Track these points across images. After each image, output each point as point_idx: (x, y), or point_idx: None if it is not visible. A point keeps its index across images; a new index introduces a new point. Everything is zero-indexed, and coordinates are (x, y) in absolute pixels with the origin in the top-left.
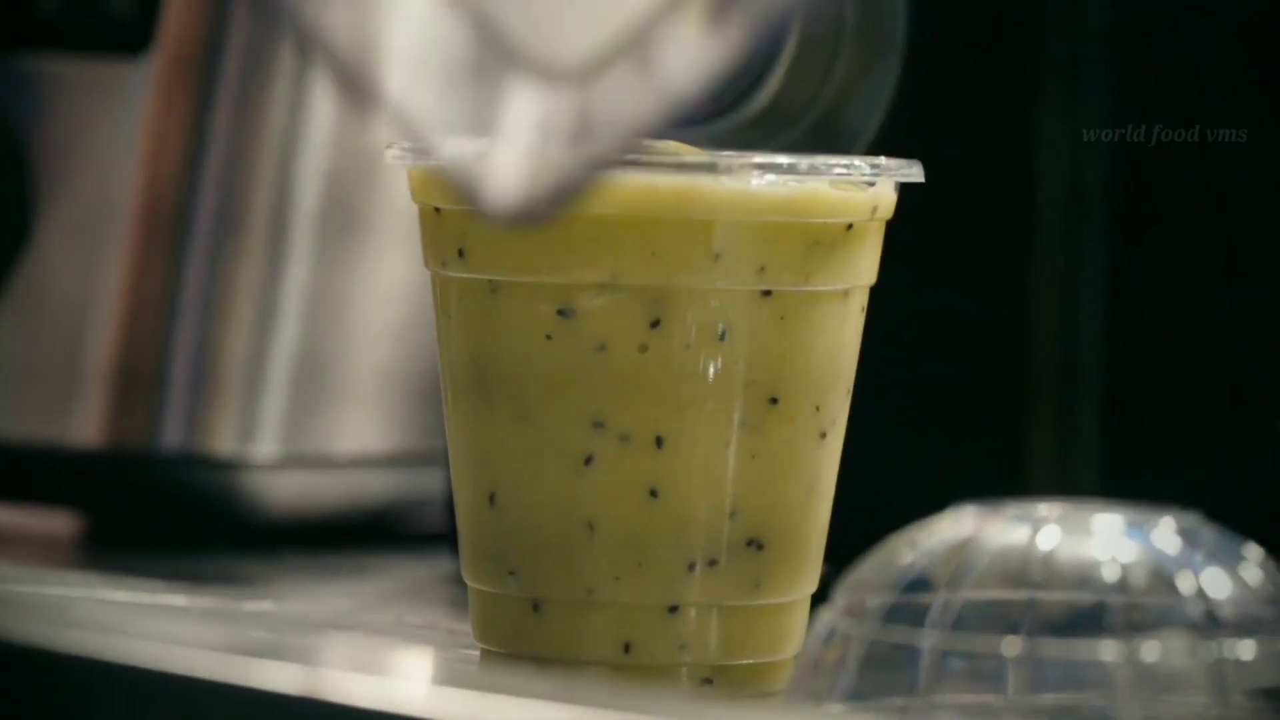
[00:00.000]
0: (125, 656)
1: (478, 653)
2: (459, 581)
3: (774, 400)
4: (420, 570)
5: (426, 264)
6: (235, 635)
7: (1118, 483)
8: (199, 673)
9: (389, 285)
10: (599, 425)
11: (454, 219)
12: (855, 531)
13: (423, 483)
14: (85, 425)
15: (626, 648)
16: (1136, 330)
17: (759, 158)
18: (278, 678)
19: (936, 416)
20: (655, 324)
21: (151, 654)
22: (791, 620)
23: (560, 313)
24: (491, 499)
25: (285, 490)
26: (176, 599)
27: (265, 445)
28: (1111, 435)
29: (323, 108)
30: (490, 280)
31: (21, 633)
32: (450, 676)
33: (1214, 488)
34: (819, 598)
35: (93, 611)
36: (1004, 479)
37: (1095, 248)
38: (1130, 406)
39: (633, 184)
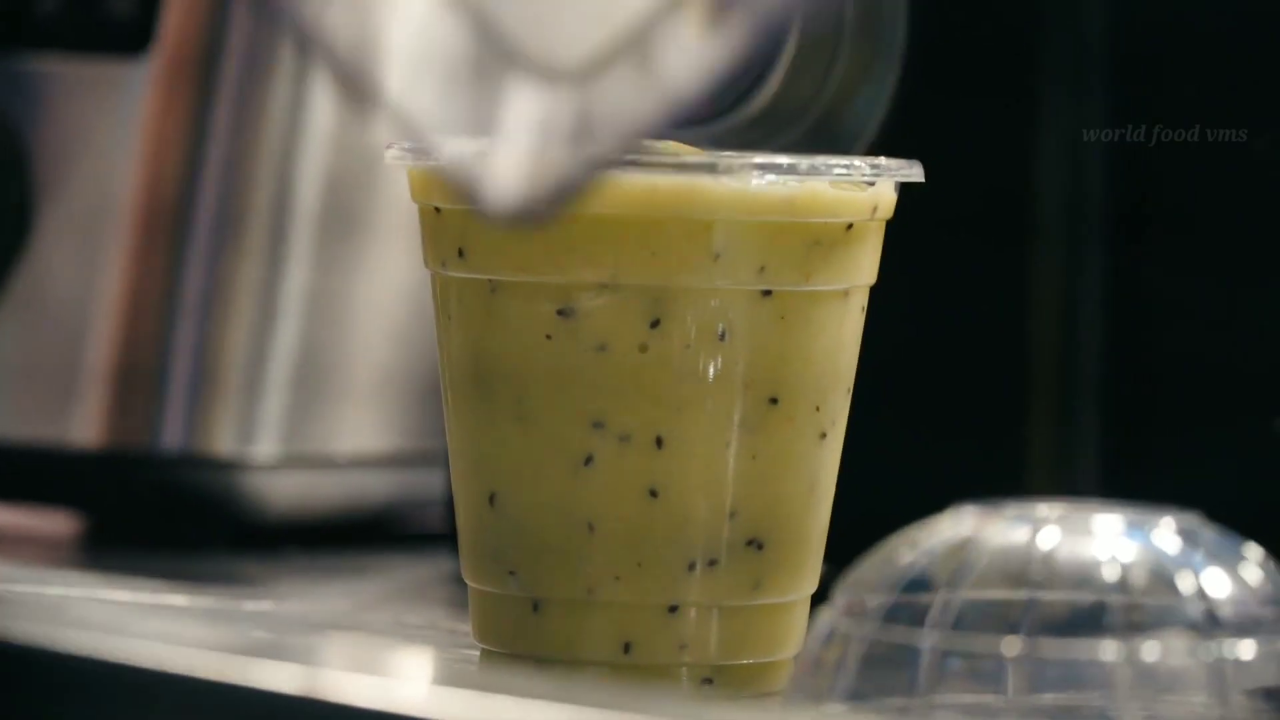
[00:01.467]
0: (125, 656)
1: (477, 653)
2: (458, 581)
3: (774, 400)
4: (420, 570)
5: (426, 264)
6: (235, 635)
7: (1117, 482)
8: (199, 673)
9: (389, 285)
10: (599, 425)
11: (454, 219)
12: (855, 531)
13: (422, 483)
14: (85, 425)
15: (626, 648)
16: (1136, 330)
17: (759, 158)
18: (278, 678)
19: (936, 416)
20: (655, 324)
21: (151, 654)
22: (791, 620)
23: (560, 312)
24: (491, 499)
25: (285, 490)
26: (177, 599)
27: (265, 445)
28: (1111, 435)
29: (322, 108)
30: (490, 280)
31: (21, 632)
32: (450, 677)
33: (1214, 488)
34: (819, 597)
35: (92, 611)
36: (1004, 479)
37: (1095, 247)
38: (1130, 407)
39: (633, 184)
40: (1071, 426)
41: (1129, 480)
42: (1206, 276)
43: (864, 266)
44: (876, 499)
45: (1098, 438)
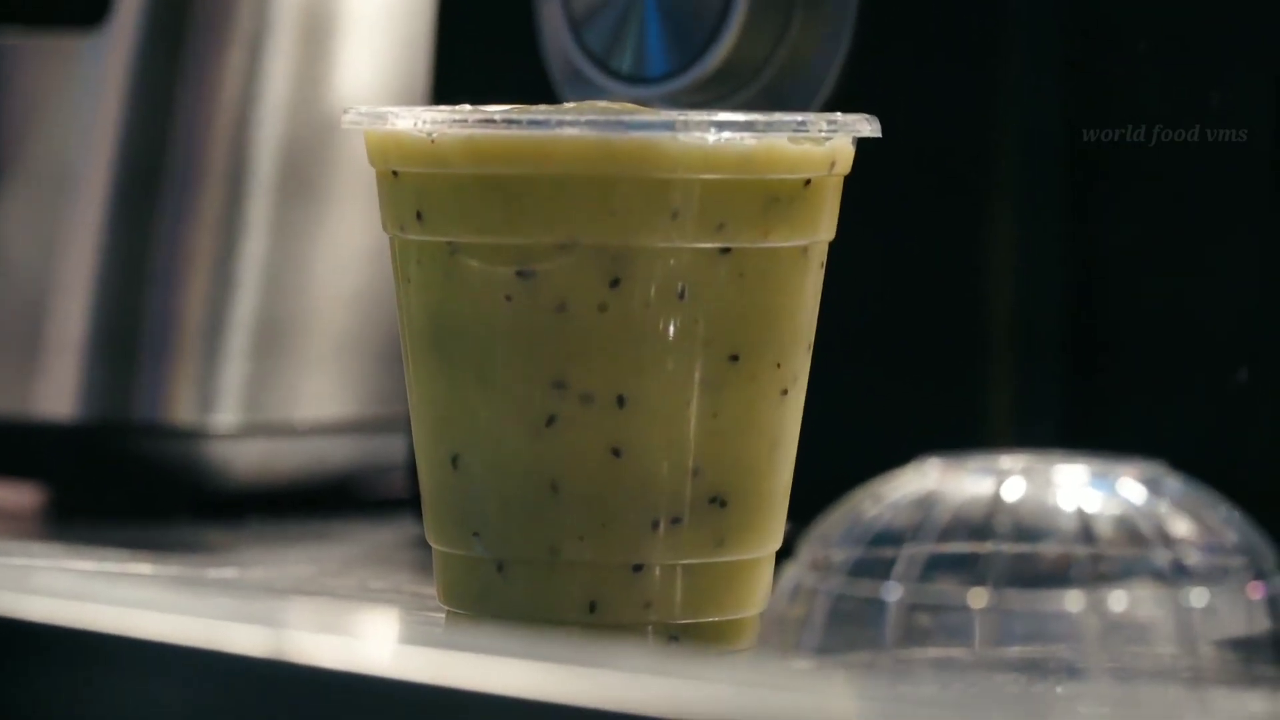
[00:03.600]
0: (90, 622)
1: (443, 615)
2: (422, 546)
3: (734, 358)
4: (383, 535)
5: (385, 228)
6: (200, 601)
7: (1081, 433)
8: (165, 638)
9: (347, 251)
10: (560, 386)
11: (411, 181)
12: (819, 487)
13: (383, 448)
14: (48, 397)
15: (592, 607)
16: (1097, 282)
17: (716, 115)
18: (244, 641)
19: (898, 371)
20: (615, 283)
21: (115, 620)
22: (756, 577)
23: (519, 274)
24: (454, 461)
25: (247, 458)
26: (142, 568)
27: (226, 414)
28: (1074, 387)
29: (279, 73)
30: (449, 242)
31: None
32: (415, 637)
33: (1178, 440)
34: (784, 554)
35: (57, 581)
36: (967, 432)
37: (1053, 199)
38: (1093, 359)
39: (589, 143)
40: (1035, 379)
41: (1092, 432)
42: (1168, 227)
43: (822, 223)
44: (840, 454)
45: (1060, 390)
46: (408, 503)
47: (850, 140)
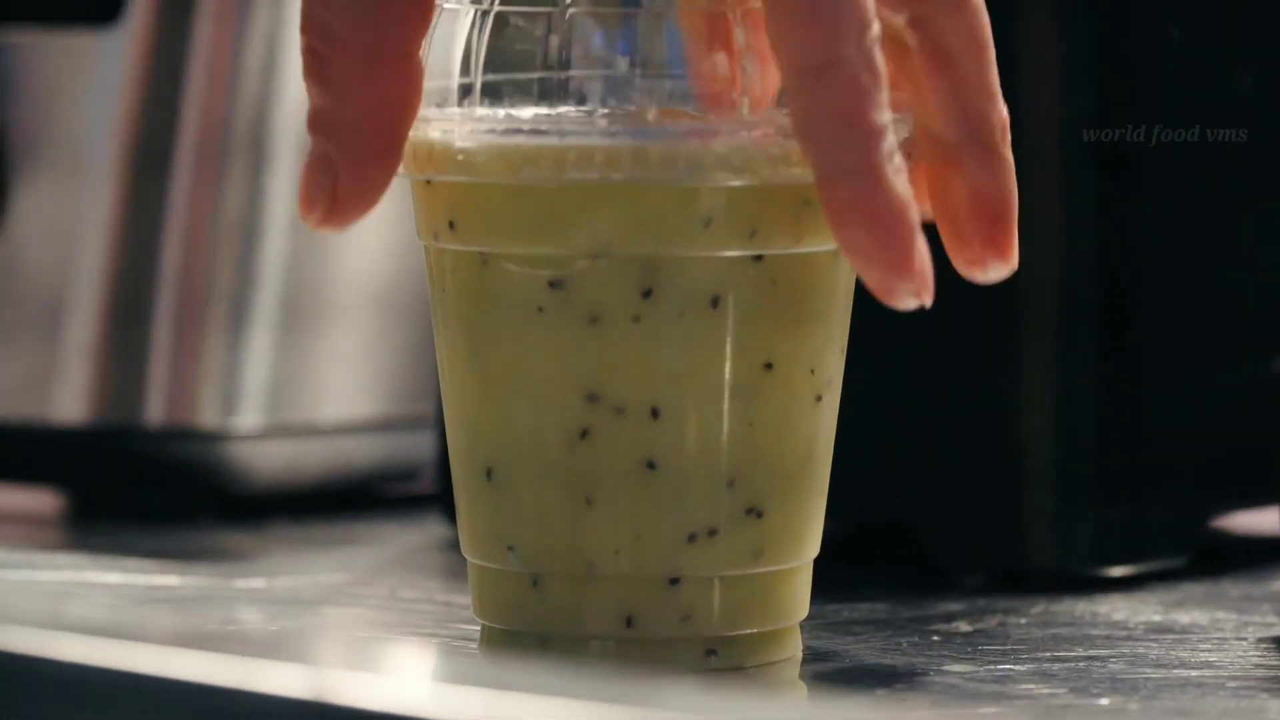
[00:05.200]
0: (126, 662)
1: (477, 628)
2: (450, 549)
3: (769, 366)
4: (411, 537)
5: (419, 235)
6: (235, 635)
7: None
8: (201, 678)
9: (370, 245)
10: (594, 398)
11: (443, 190)
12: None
13: (409, 446)
14: (67, 401)
15: (629, 621)
16: (1129, 263)
17: (745, 118)
18: (283, 681)
19: (935, 354)
20: (647, 294)
21: (151, 660)
22: (794, 587)
23: (551, 284)
24: (489, 474)
25: (270, 460)
26: (168, 579)
27: (249, 416)
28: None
29: (296, 72)
30: (481, 252)
31: (12, 642)
32: (456, 674)
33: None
34: (821, 560)
35: (86, 610)
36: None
37: (1086, 186)
38: (1126, 331)
39: (620, 150)
40: (1069, 359)
41: (1126, 409)
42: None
43: None
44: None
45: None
46: (434, 501)
47: None
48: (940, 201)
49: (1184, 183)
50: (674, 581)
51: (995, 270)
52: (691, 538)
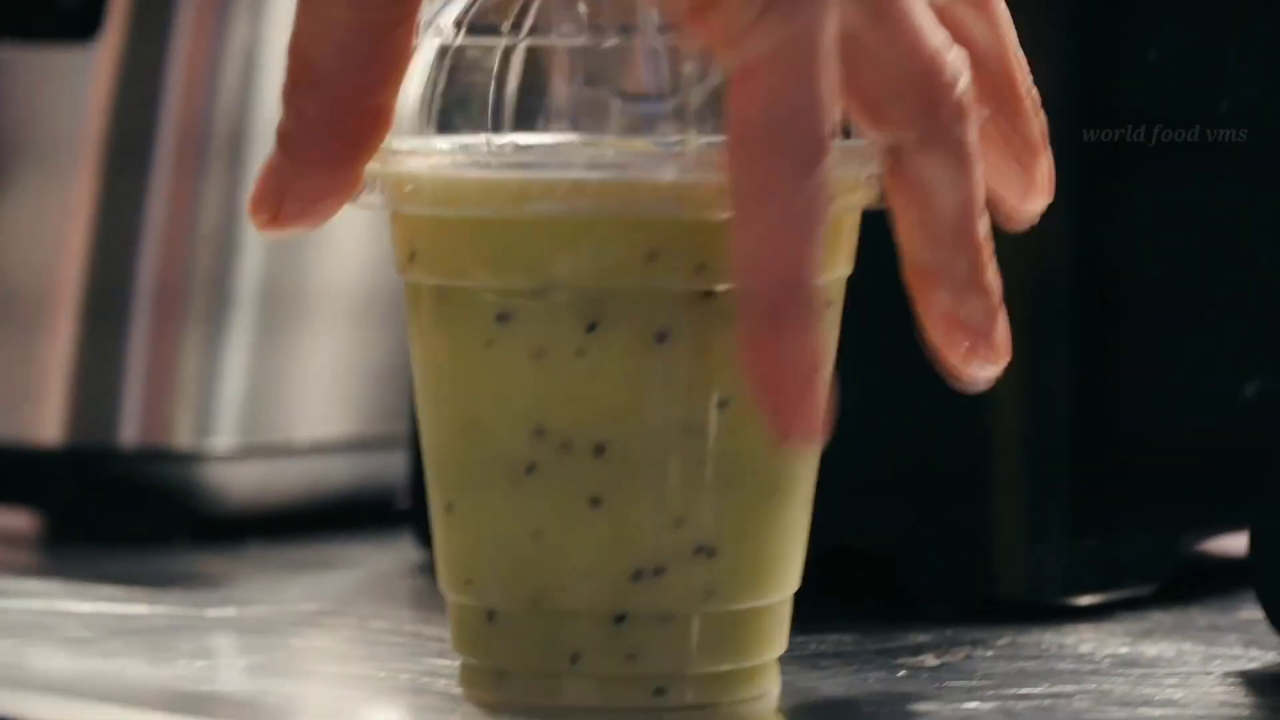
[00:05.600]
0: None
1: (444, 663)
2: (422, 574)
3: (722, 404)
4: (384, 560)
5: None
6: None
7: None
8: None
9: (345, 269)
10: (540, 433)
11: (406, 222)
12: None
13: (383, 466)
14: (42, 422)
15: (574, 658)
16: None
17: (690, 149)
18: None
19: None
20: (592, 328)
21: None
22: (754, 627)
23: (499, 318)
24: (449, 508)
25: (245, 481)
26: (139, 608)
27: (223, 436)
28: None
29: (274, 85)
30: (438, 286)
31: None
32: None
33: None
34: (800, 595)
35: (57, 663)
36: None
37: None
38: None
39: (563, 183)
40: (1040, 388)
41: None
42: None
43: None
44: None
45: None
46: (407, 522)
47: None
48: (921, 305)
49: (1160, 204)
50: (619, 619)
51: (985, 372)
52: (637, 575)
